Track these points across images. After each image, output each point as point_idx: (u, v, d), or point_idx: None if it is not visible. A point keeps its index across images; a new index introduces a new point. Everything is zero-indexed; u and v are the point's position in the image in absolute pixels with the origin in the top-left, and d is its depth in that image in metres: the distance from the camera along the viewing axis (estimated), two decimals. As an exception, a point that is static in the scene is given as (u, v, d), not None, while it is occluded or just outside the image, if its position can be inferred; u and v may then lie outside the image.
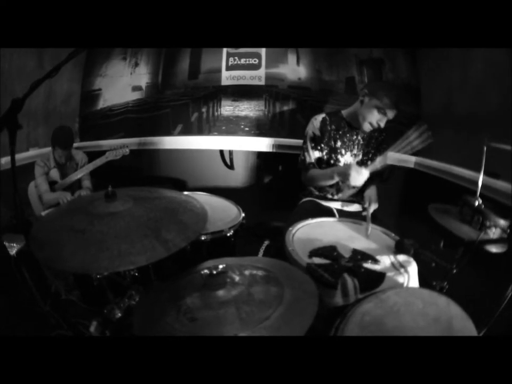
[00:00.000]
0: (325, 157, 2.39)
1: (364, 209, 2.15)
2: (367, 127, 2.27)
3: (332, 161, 2.39)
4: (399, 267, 1.52)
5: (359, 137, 2.40)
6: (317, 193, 2.49)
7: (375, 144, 2.42)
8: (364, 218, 2.07)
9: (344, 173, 2.04)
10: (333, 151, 2.38)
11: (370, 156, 2.43)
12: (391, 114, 2.20)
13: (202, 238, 1.83)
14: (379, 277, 1.42)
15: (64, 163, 3.05)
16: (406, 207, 3.28)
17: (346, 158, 2.41)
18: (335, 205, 2.43)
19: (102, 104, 3.90)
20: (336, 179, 2.17)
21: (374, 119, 2.22)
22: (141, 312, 1.22)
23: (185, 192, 2.31)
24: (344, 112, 2.43)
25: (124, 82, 3.83)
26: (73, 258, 1.09)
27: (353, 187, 2.34)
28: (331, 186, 2.42)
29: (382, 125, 2.23)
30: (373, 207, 2.16)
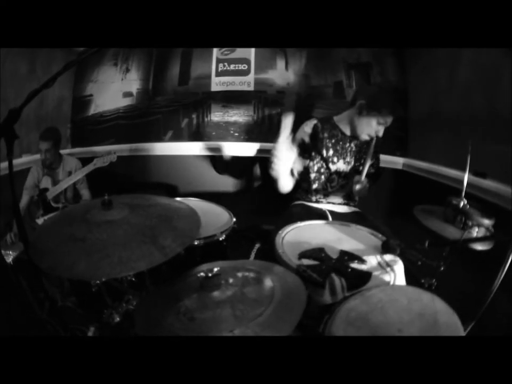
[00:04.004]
0: (316, 166, 2.38)
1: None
2: (364, 138, 2.28)
3: (322, 170, 2.39)
4: (385, 266, 1.56)
5: (352, 145, 2.39)
6: (309, 197, 2.49)
7: (366, 149, 2.36)
8: (353, 219, 2.11)
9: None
10: (324, 159, 2.37)
11: (362, 161, 2.41)
12: (389, 122, 2.21)
13: (196, 243, 1.85)
14: (365, 276, 1.46)
15: (49, 164, 3.05)
16: (394, 208, 3.32)
17: (338, 166, 2.40)
18: (326, 207, 2.43)
19: (93, 110, 3.93)
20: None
21: (372, 130, 2.22)
22: (143, 314, 1.26)
23: (177, 198, 2.36)
24: (337, 119, 2.41)
25: (115, 88, 3.86)
26: (76, 266, 1.12)
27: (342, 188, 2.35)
28: (317, 191, 2.45)
29: (381, 134, 2.24)
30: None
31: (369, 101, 2.22)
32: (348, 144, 2.39)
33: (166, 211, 1.48)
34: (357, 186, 2.25)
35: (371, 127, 2.21)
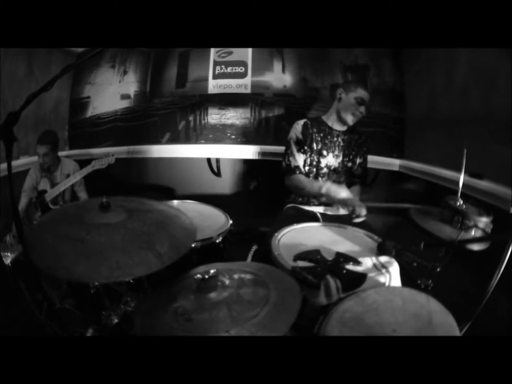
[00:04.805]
0: (308, 159, 2.51)
1: (356, 216, 2.13)
2: (350, 120, 2.45)
3: (314, 163, 2.51)
4: (381, 268, 1.57)
5: (340, 139, 2.53)
6: (300, 199, 2.56)
7: (355, 146, 2.56)
8: (347, 221, 2.11)
9: (332, 196, 2.20)
10: (315, 153, 2.51)
11: (350, 157, 2.56)
12: (367, 98, 2.43)
13: (193, 245, 1.85)
14: (360, 277, 1.47)
15: (47, 167, 3.06)
16: (391, 209, 3.33)
17: (328, 159, 2.52)
18: (318, 209, 2.47)
19: (90, 112, 3.91)
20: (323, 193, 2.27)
21: (354, 108, 2.41)
22: (141, 315, 1.27)
23: (174, 201, 2.37)
24: (324, 117, 2.58)
25: (112, 90, 3.85)
26: (75, 267, 1.13)
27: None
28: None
29: (364, 111, 2.43)
30: (363, 211, 2.13)
31: (345, 87, 2.50)
32: (335, 138, 2.54)
33: (163, 218, 1.50)
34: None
35: (352, 106, 2.42)
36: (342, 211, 2.48)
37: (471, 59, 2.58)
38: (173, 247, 1.30)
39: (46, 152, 2.97)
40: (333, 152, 2.53)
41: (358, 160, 2.57)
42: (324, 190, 2.24)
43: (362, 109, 2.42)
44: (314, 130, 2.52)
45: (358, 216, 2.12)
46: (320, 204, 2.53)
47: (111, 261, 1.16)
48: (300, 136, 2.51)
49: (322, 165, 2.51)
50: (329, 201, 2.36)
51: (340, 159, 2.54)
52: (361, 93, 2.40)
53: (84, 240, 1.23)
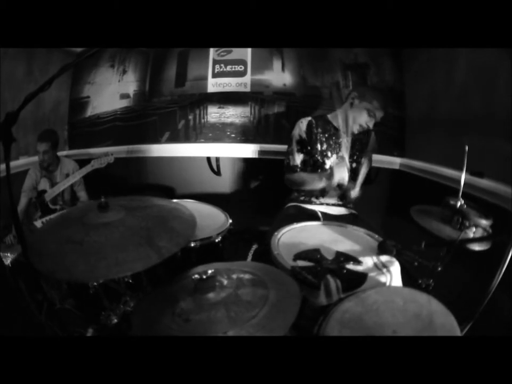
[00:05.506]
0: (311, 160, 2.48)
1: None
2: (356, 129, 2.41)
3: (318, 164, 2.47)
4: (381, 267, 1.56)
5: (345, 140, 2.48)
6: (302, 198, 2.55)
7: (360, 146, 2.52)
8: (348, 221, 2.11)
9: (329, 173, 2.21)
10: (319, 153, 2.47)
11: (355, 157, 2.52)
12: (379, 116, 2.33)
13: (192, 245, 1.86)
14: (361, 277, 1.46)
15: (47, 166, 3.06)
16: (391, 208, 3.33)
17: (332, 160, 2.48)
18: (319, 208, 2.47)
19: (90, 112, 3.90)
20: (324, 182, 2.30)
21: (363, 120, 2.36)
22: (139, 315, 1.27)
23: (174, 200, 2.36)
24: (330, 116, 2.54)
25: (112, 90, 3.84)
26: (75, 268, 1.13)
27: (339, 186, 2.33)
28: (313, 190, 2.50)
29: (371, 126, 2.38)
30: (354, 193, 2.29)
31: (361, 93, 2.40)
32: (340, 139, 2.49)
33: (162, 212, 1.49)
34: (352, 194, 2.34)
35: (362, 118, 2.36)
36: (343, 210, 2.49)
37: (471, 59, 2.58)
38: (172, 240, 1.30)
39: (46, 149, 2.97)
40: (337, 153, 2.50)
41: (363, 160, 2.53)
42: (323, 180, 2.32)
43: (371, 123, 2.37)
44: (319, 130, 2.48)
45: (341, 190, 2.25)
46: (322, 203, 2.53)
47: (109, 259, 1.16)
48: (304, 135, 2.48)
49: (327, 166, 2.47)
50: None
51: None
52: (375, 105, 2.32)
53: (83, 242, 1.23)
